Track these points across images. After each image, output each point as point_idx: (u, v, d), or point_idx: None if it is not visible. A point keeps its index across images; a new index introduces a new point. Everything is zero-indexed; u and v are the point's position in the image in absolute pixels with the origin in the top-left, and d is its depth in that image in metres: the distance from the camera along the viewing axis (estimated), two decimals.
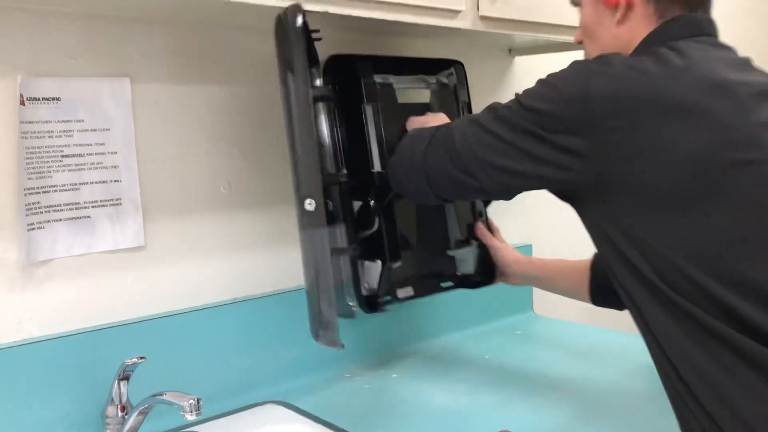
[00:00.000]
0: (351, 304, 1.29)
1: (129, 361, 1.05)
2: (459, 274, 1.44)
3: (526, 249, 1.79)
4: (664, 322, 0.90)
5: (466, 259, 1.44)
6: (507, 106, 1.00)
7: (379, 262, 1.27)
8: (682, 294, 0.87)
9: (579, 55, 1.08)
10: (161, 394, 0.97)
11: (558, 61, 1.09)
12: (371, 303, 1.30)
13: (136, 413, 1.01)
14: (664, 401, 0.98)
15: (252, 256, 1.33)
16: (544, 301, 1.81)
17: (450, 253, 1.43)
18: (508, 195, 1.07)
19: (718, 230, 0.86)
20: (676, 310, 0.88)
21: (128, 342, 1.15)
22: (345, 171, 1.26)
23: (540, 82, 0.99)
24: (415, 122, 1.29)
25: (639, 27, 1.00)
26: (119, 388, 1.06)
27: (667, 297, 0.88)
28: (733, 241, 0.86)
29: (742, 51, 0.99)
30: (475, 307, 1.67)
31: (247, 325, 1.29)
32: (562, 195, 1.00)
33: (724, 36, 1.00)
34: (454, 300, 1.63)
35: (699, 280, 0.86)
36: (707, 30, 0.99)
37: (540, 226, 1.85)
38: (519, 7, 1.36)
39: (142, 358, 1.05)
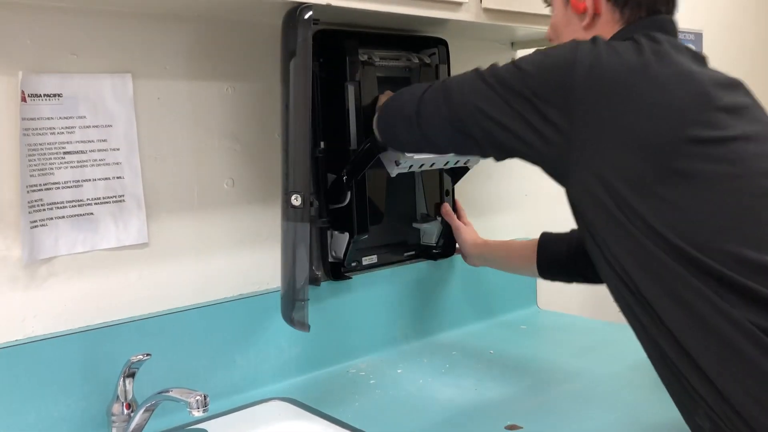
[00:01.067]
0: (318, 273, 1.38)
1: (134, 359, 1.04)
2: (421, 244, 1.54)
3: None
4: (657, 290, 0.90)
5: (429, 233, 1.53)
6: (504, 67, 1.03)
7: (347, 234, 1.34)
8: (674, 258, 0.88)
9: None
10: (167, 391, 0.97)
11: None
12: (336, 271, 1.38)
13: (141, 410, 1.01)
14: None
15: (256, 252, 1.32)
16: (548, 295, 1.80)
17: (415, 225, 1.53)
18: (497, 151, 1.06)
19: (690, 205, 0.89)
20: (667, 273, 0.89)
21: (133, 339, 1.14)
22: (323, 145, 1.33)
23: (536, 50, 1.03)
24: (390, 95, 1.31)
25: (604, 32, 1.04)
26: (124, 385, 1.05)
27: (660, 261, 0.89)
28: (707, 213, 0.89)
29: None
30: (479, 302, 1.67)
31: (253, 322, 1.29)
32: (549, 170, 1.01)
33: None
34: (458, 295, 1.62)
35: (682, 247, 0.88)
36: (668, 30, 1.03)
37: (543, 222, 1.83)
38: None
39: (147, 355, 1.04)
